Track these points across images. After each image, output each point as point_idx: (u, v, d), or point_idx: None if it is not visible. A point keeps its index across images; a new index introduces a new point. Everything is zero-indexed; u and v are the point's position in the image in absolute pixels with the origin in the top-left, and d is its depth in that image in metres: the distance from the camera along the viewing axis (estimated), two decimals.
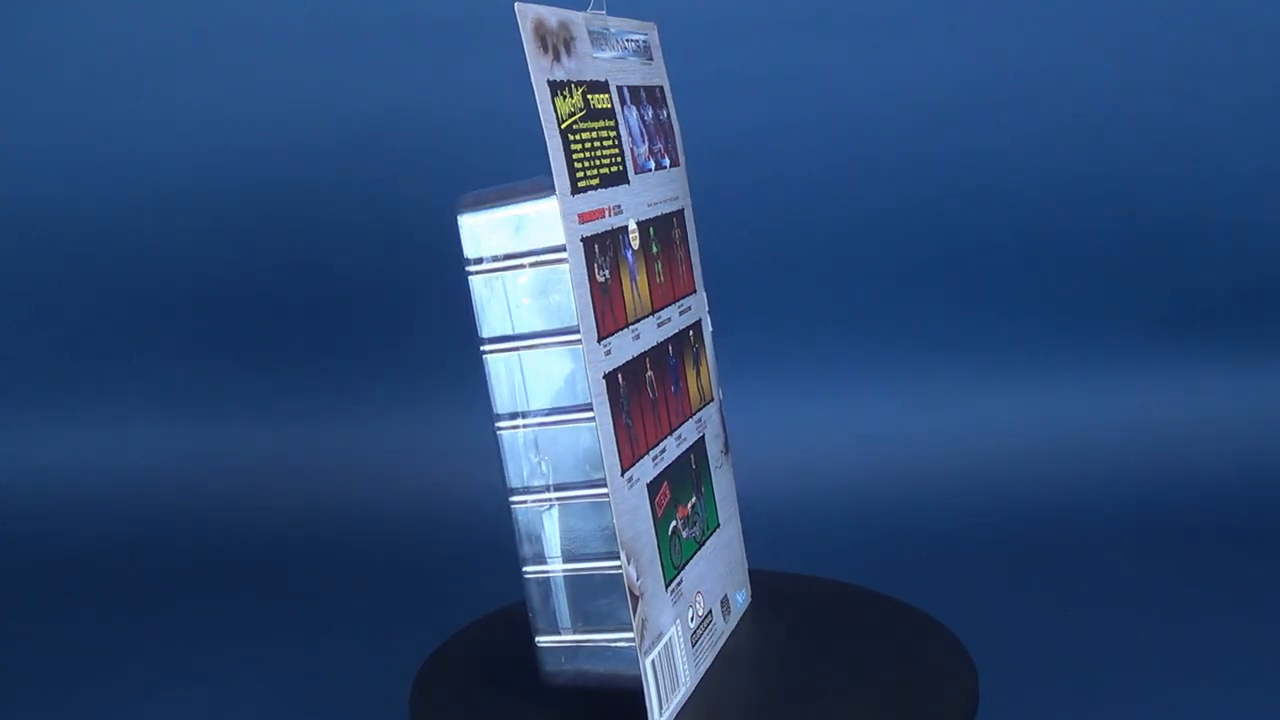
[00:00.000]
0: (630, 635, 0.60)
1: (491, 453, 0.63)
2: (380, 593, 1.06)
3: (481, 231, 0.61)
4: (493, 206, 0.61)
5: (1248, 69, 1.25)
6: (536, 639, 0.63)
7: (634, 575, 0.60)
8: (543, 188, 0.60)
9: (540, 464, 0.62)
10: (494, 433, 0.62)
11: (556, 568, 0.62)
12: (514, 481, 0.62)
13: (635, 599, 0.59)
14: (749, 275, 1.28)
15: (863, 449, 1.24)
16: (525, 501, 0.62)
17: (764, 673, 0.68)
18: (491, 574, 1.04)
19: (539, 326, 0.61)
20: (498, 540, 1.12)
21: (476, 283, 0.61)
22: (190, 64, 1.27)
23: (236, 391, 1.31)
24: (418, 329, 1.29)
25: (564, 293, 0.60)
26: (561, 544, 0.62)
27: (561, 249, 0.59)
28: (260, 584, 1.09)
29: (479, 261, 0.61)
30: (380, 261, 1.29)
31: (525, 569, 0.63)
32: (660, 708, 0.60)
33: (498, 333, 0.62)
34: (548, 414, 0.61)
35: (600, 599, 0.63)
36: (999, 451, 1.23)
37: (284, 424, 1.29)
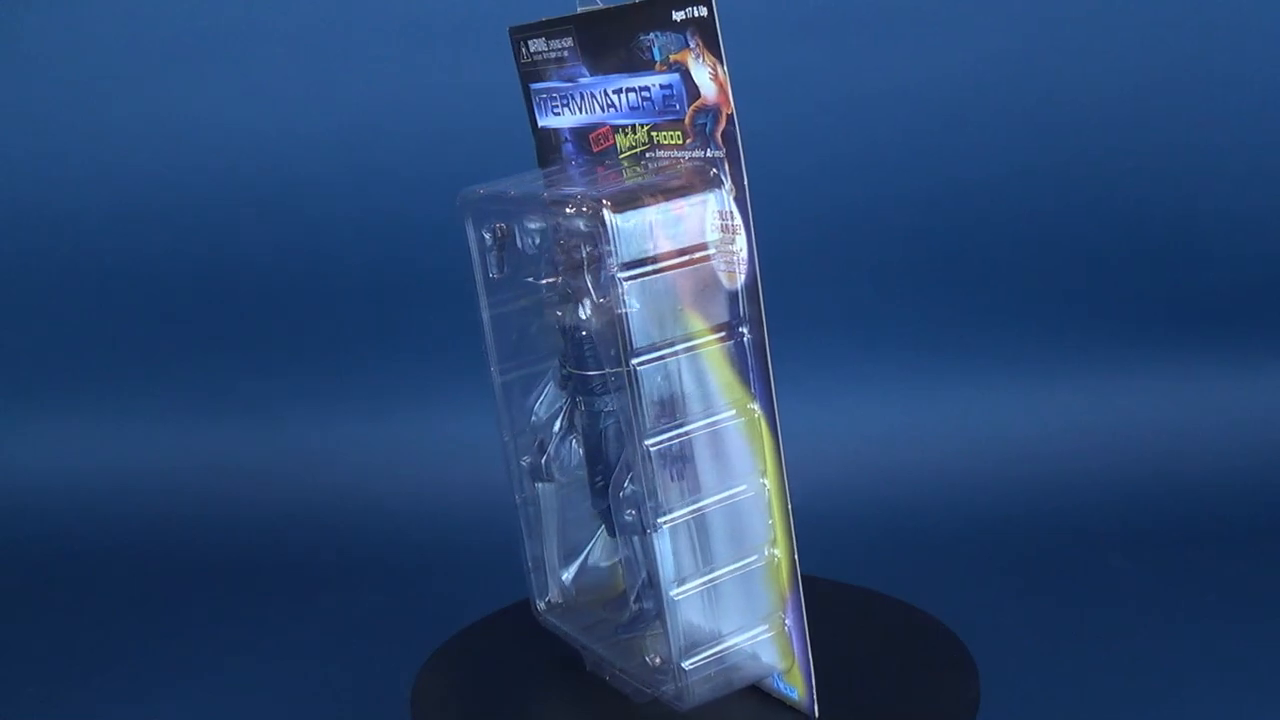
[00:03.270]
0: (767, 628, 0.61)
1: (490, 453, 0.62)
2: (381, 592, 1.06)
3: (641, 232, 0.53)
4: (648, 204, 0.53)
5: (1248, 69, 1.25)
6: (684, 663, 0.59)
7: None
8: (678, 178, 0.54)
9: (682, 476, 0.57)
10: (642, 451, 0.55)
11: (702, 580, 0.59)
12: (665, 499, 0.57)
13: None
14: None
15: (864, 449, 1.24)
16: (677, 520, 0.58)
17: None
18: (493, 574, 1.04)
19: (699, 326, 0.55)
20: (498, 540, 1.13)
21: (633, 289, 0.53)
22: (191, 64, 1.27)
23: (236, 391, 1.31)
24: (418, 329, 1.29)
25: (729, 284, 0.55)
26: (726, 550, 0.60)
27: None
28: (261, 583, 1.09)
29: (638, 265, 0.53)
30: (382, 262, 1.28)
31: (672, 591, 0.58)
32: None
33: (656, 339, 0.54)
34: (704, 417, 0.57)
35: (745, 598, 0.61)
36: (1000, 451, 1.23)
37: (284, 424, 1.29)
